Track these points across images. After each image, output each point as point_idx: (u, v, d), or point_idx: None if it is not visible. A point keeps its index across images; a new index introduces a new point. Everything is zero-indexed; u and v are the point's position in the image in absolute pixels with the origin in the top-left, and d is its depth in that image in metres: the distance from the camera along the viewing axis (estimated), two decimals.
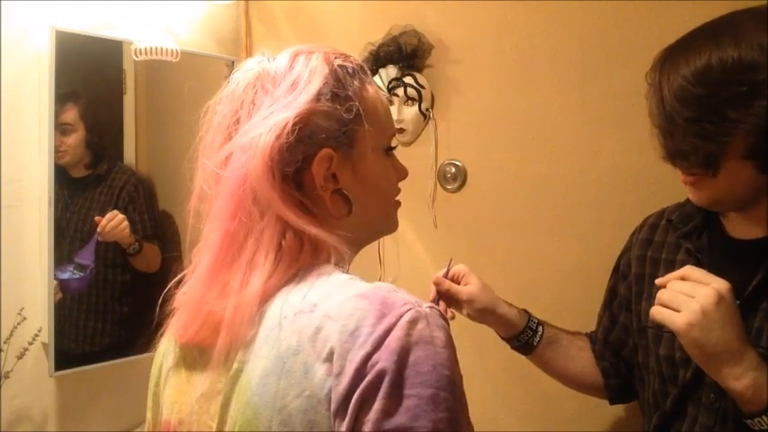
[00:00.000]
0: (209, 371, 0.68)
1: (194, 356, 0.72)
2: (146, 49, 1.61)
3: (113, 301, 1.69)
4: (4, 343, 1.43)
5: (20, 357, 1.45)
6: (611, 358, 1.16)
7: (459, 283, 1.13)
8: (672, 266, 0.99)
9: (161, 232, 1.75)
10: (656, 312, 0.85)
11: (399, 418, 0.56)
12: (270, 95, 0.70)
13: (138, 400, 0.82)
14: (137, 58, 1.61)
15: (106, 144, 1.70)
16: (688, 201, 0.99)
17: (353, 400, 0.57)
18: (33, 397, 1.54)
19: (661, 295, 0.85)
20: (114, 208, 1.65)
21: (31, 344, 1.46)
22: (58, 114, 1.51)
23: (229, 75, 0.74)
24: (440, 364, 0.58)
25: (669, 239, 1.04)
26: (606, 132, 1.43)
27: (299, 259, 0.67)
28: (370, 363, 0.57)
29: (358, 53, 1.69)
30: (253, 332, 0.64)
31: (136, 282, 1.70)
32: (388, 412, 0.56)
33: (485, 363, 1.55)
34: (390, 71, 1.65)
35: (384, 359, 0.57)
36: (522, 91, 1.54)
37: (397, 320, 0.58)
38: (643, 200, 1.30)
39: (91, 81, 1.64)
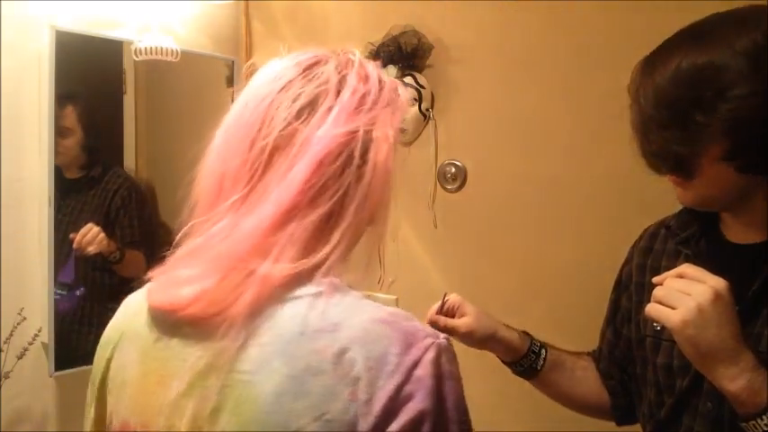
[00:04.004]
0: (189, 375, 0.63)
1: (170, 355, 0.66)
2: (146, 49, 1.61)
3: (107, 303, 1.68)
4: (4, 343, 1.43)
5: (20, 357, 1.45)
6: (618, 375, 1.12)
7: (453, 316, 1.07)
8: None
9: (150, 240, 1.73)
10: (652, 309, 0.84)
11: None
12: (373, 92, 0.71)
13: None
14: (137, 58, 1.61)
15: (103, 146, 1.69)
16: (686, 207, 0.98)
17: None
18: (33, 397, 1.54)
19: (657, 292, 0.84)
20: (106, 211, 1.65)
21: (31, 344, 1.46)
22: (57, 116, 1.51)
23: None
24: (460, 396, 0.61)
25: (668, 247, 1.03)
26: (606, 132, 1.42)
27: (314, 261, 0.64)
28: (402, 394, 0.58)
29: None
30: (256, 332, 0.61)
31: (132, 283, 1.69)
32: None
33: (485, 363, 1.54)
34: (390, 71, 1.65)
35: (422, 399, 0.58)
36: (522, 91, 1.54)
37: (424, 353, 0.60)
38: (643, 200, 1.30)
39: (91, 81, 1.64)
